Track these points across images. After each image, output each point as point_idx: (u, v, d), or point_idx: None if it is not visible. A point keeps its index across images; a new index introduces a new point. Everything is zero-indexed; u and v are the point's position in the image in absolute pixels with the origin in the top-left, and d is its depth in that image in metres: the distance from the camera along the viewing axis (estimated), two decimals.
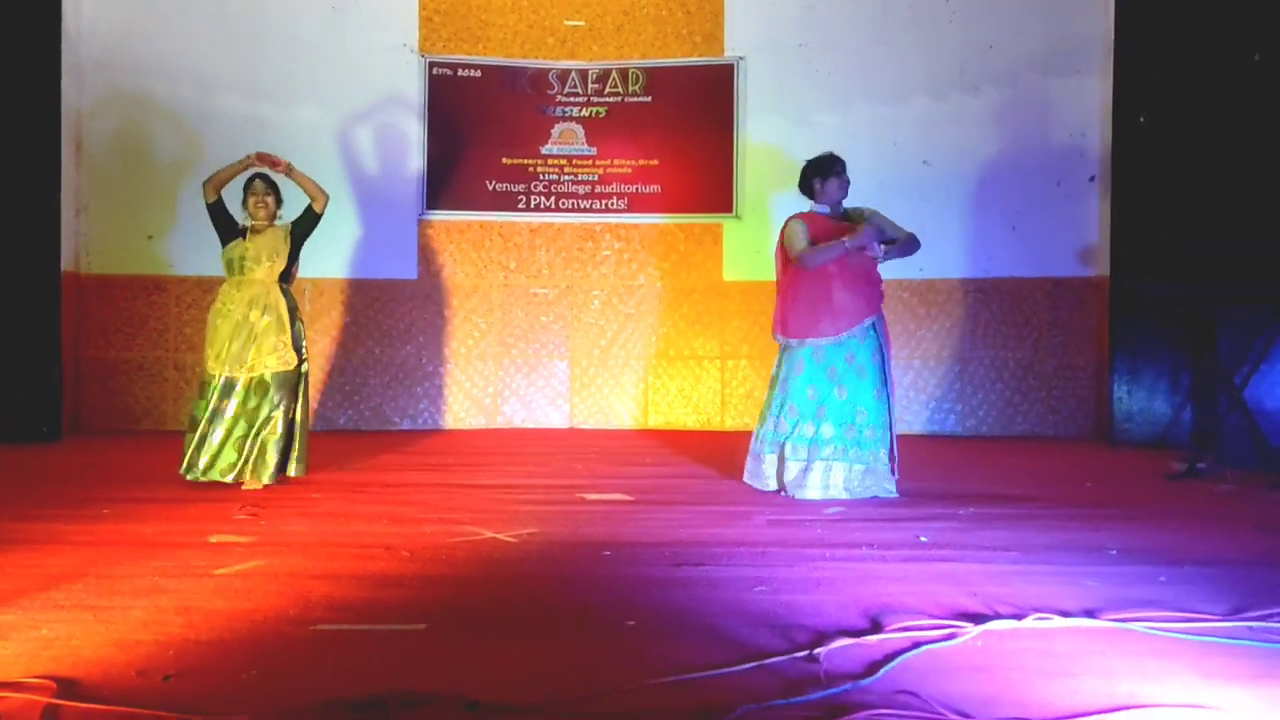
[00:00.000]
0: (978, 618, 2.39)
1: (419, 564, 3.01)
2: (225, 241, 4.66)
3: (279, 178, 4.74)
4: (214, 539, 3.34)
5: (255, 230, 4.65)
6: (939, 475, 5.01)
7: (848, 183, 4.48)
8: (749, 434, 4.63)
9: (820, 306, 4.36)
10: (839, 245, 4.30)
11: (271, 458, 4.47)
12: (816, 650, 2.13)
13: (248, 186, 4.69)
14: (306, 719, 1.76)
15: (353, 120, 7.30)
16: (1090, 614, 2.43)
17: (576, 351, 7.54)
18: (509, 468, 5.32)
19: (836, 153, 4.55)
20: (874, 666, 2.04)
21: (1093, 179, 7.09)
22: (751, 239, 7.37)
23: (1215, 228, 5.87)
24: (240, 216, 4.69)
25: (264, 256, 4.61)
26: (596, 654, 2.17)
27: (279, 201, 4.72)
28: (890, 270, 4.82)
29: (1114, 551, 3.22)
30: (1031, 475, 5.27)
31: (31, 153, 6.38)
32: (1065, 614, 2.42)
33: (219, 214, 4.65)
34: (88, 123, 7.00)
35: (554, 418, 7.51)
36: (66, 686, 1.91)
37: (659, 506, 4.11)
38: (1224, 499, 4.40)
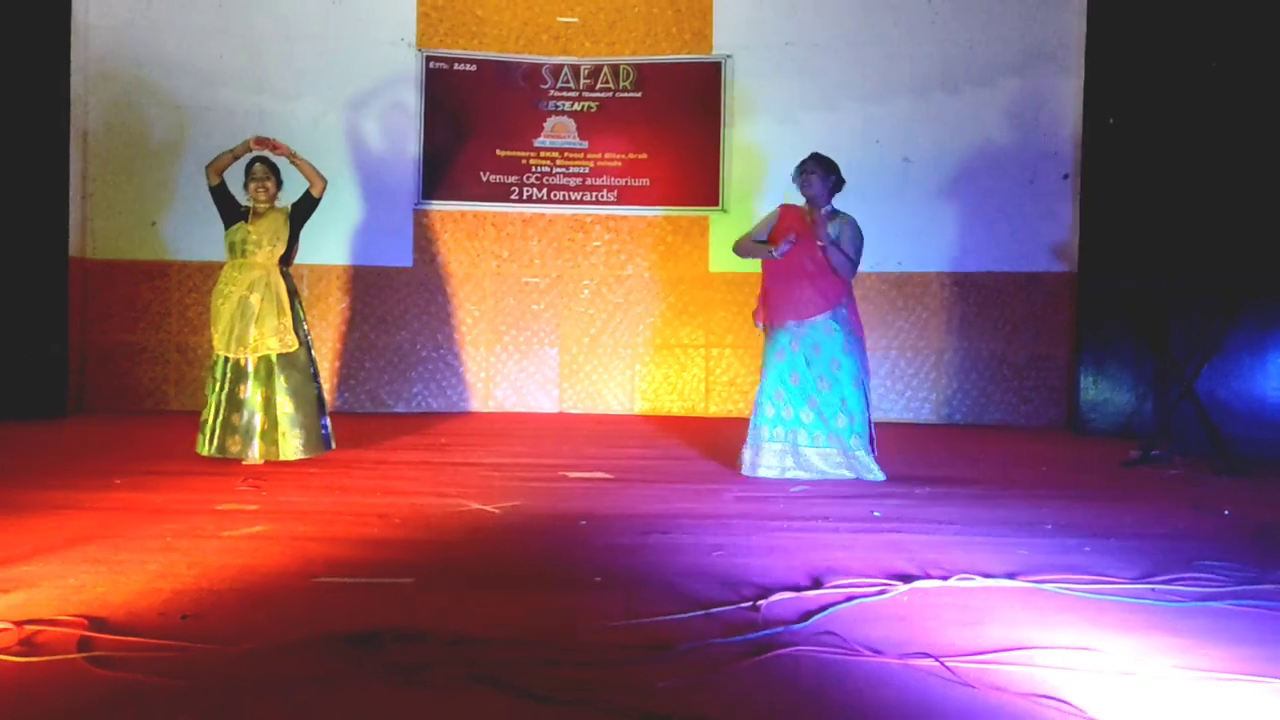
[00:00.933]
0: (909, 578, 2.66)
1: (409, 530, 3.28)
2: (228, 223, 4.88)
3: (279, 160, 4.97)
4: (220, 507, 3.61)
5: (257, 213, 4.88)
6: (906, 460, 5.26)
7: (810, 184, 4.65)
8: (732, 419, 4.89)
9: (786, 293, 4.63)
10: (767, 251, 4.65)
11: (286, 436, 4.73)
12: (759, 602, 2.40)
13: (248, 170, 4.92)
14: (309, 650, 2.03)
15: (351, 112, 7.54)
16: (1010, 576, 2.70)
17: (567, 339, 7.80)
18: (498, 448, 5.57)
19: (821, 150, 4.76)
20: (807, 615, 2.31)
21: (1066, 177, 7.35)
22: (737, 232, 7.49)
23: (1174, 227, 6.17)
24: (242, 199, 4.93)
25: (265, 241, 4.84)
26: (565, 603, 2.44)
27: (279, 185, 4.95)
28: (869, 263, 5.11)
29: (1050, 526, 3.49)
30: (994, 460, 5.54)
31: (40, 141, 6.61)
32: (988, 575, 2.69)
33: (222, 197, 4.88)
34: (93, 112, 7.24)
35: (544, 402, 7.77)
36: (97, 623, 2.17)
37: (637, 484, 4.38)
38: (1170, 483, 4.68)
